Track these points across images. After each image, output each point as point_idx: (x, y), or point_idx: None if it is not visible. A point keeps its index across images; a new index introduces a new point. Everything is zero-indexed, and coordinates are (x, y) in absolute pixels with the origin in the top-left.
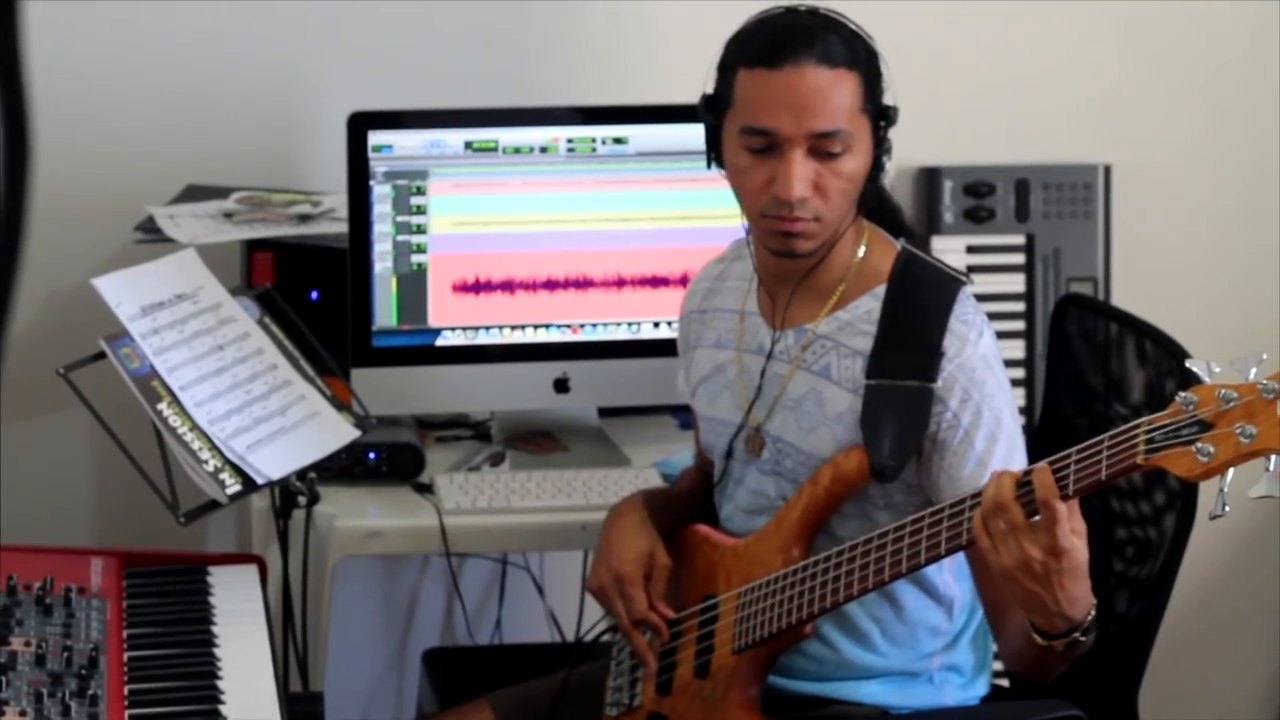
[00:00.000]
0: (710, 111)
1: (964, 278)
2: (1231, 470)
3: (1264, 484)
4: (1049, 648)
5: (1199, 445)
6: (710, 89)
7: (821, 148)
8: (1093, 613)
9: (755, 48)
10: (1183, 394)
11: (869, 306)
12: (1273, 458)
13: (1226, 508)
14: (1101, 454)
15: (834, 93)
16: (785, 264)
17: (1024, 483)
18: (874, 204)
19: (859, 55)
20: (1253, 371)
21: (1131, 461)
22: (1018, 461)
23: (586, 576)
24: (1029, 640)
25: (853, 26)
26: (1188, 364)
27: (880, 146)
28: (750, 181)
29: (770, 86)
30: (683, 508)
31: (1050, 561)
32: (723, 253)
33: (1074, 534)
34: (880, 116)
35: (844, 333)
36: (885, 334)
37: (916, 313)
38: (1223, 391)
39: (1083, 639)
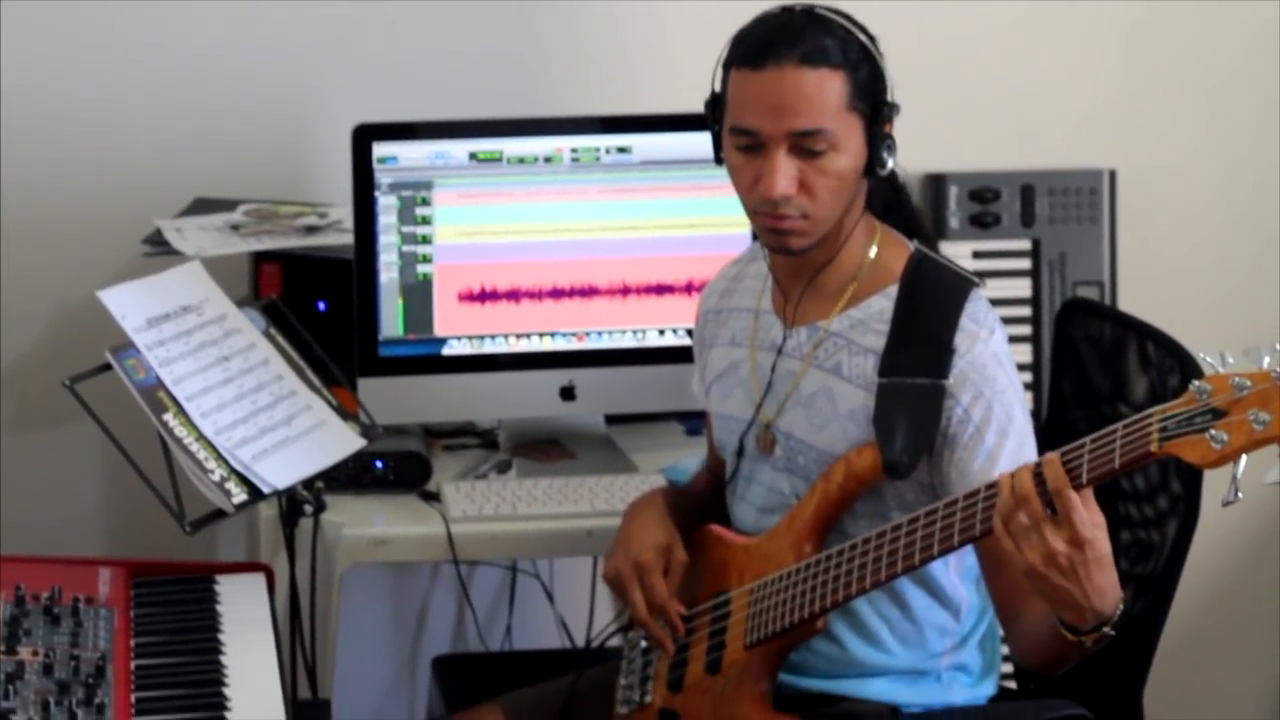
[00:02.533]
0: (712, 110)
1: (976, 279)
2: (1244, 458)
3: (1277, 470)
4: (1079, 643)
5: (1213, 433)
6: (715, 88)
7: (804, 146)
8: (1121, 605)
9: (744, 48)
10: (1196, 382)
11: (881, 305)
12: None
13: (1240, 494)
14: (1115, 443)
15: (815, 92)
16: (795, 261)
17: (1038, 475)
18: (888, 205)
19: (847, 53)
20: (1266, 360)
21: (1145, 450)
22: (1028, 457)
23: (600, 569)
24: (1055, 637)
25: (847, 25)
26: (1200, 354)
27: (876, 144)
28: (742, 180)
29: (753, 87)
30: (697, 509)
31: (1074, 554)
32: (740, 254)
33: (1094, 526)
34: (874, 114)
35: (856, 331)
36: (897, 332)
37: (928, 312)
38: (1236, 379)
39: (1112, 632)
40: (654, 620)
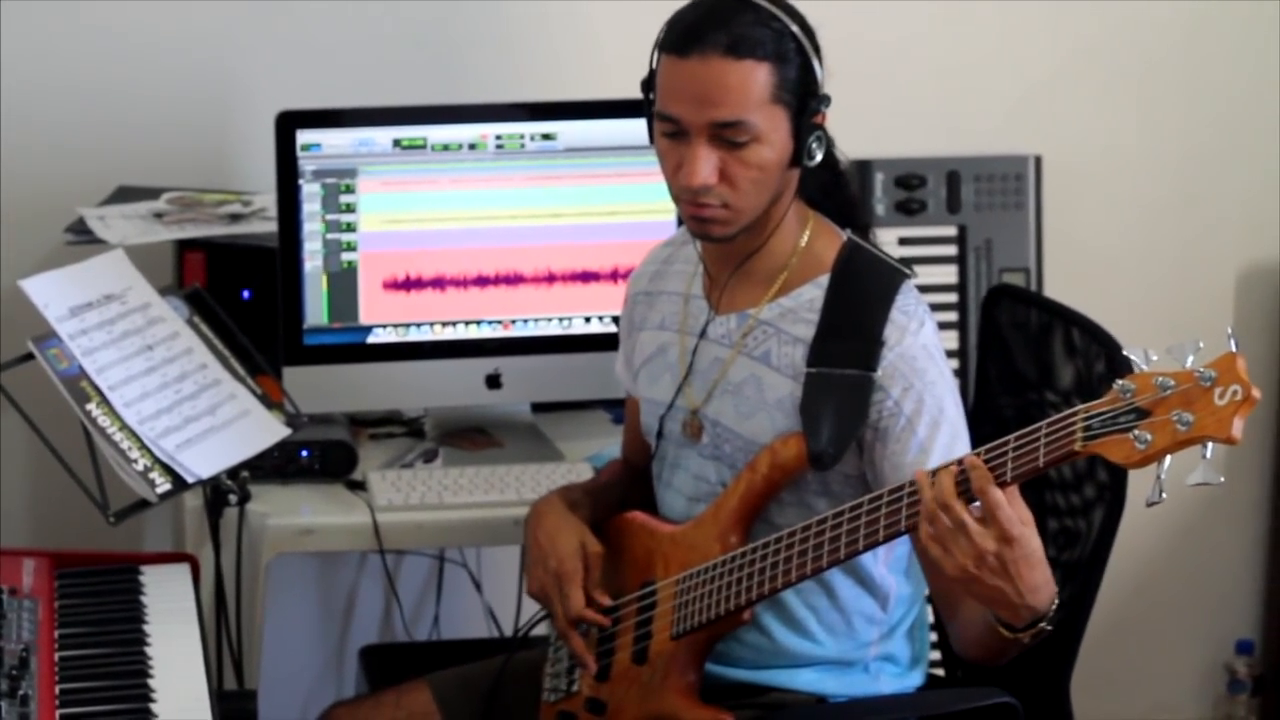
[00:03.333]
0: (646, 92)
1: (907, 270)
2: (1169, 458)
3: (1200, 471)
4: (1016, 640)
5: (1136, 433)
6: (652, 68)
7: (725, 137)
8: (1056, 600)
9: (673, 34)
10: (1120, 381)
11: (812, 295)
12: (1209, 445)
13: (1164, 495)
14: (1039, 441)
15: (738, 84)
16: (724, 247)
17: (960, 475)
18: (825, 192)
19: (775, 45)
20: (1189, 359)
21: (1069, 449)
22: (960, 449)
23: (524, 580)
24: (993, 633)
25: (779, 14)
26: (1124, 351)
27: (802, 136)
28: (666, 165)
29: (677, 75)
30: (603, 499)
31: (1004, 551)
32: (671, 236)
33: (1022, 522)
34: (802, 107)
35: (785, 319)
36: (827, 323)
37: (858, 303)
38: (1160, 379)
39: (1049, 627)
40: (575, 633)
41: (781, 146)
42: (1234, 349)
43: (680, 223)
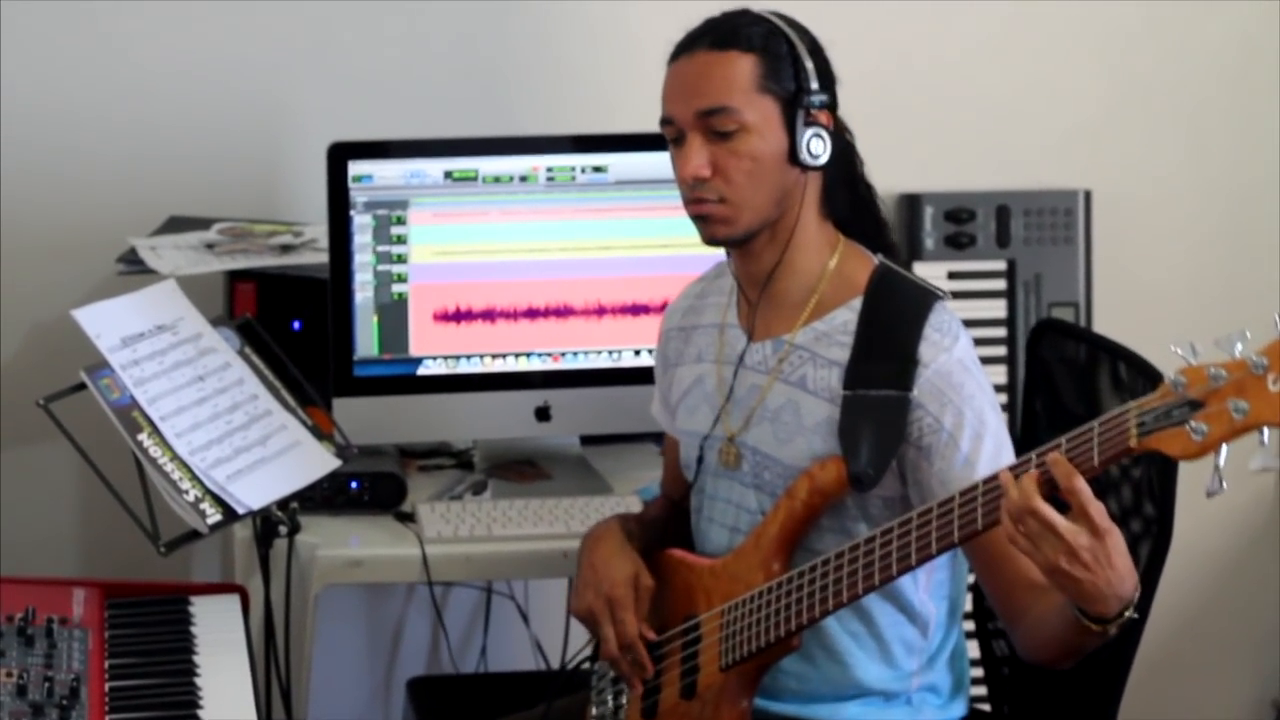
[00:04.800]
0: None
1: (940, 292)
2: (1226, 448)
3: (1261, 457)
4: (1103, 631)
5: (1192, 424)
6: None
7: (712, 126)
8: (1139, 588)
9: (674, 48)
10: (1171, 375)
11: (845, 318)
12: (1267, 431)
13: (1224, 484)
14: (1093, 440)
15: (720, 72)
16: (748, 265)
17: (1045, 475)
18: (850, 215)
19: (762, 39)
20: (1238, 348)
21: (1124, 445)
22: (1006, 458)
23: (570, 601)
24: (1074, 629)
25: (770, 17)
26: (1171, 346)
27: (796, 129)
28: (676, 174)
29: (671, 78)
30: (654, 533)
31: (1097, 546)
32: (705, 272)
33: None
34: (793, 99)
35: (820, 343)
36: (861, 345)
37: (892, 324)
38: (1212, 370)
39: (1136, 615)
40: (624, 657)
41: (774, 139)
42: None
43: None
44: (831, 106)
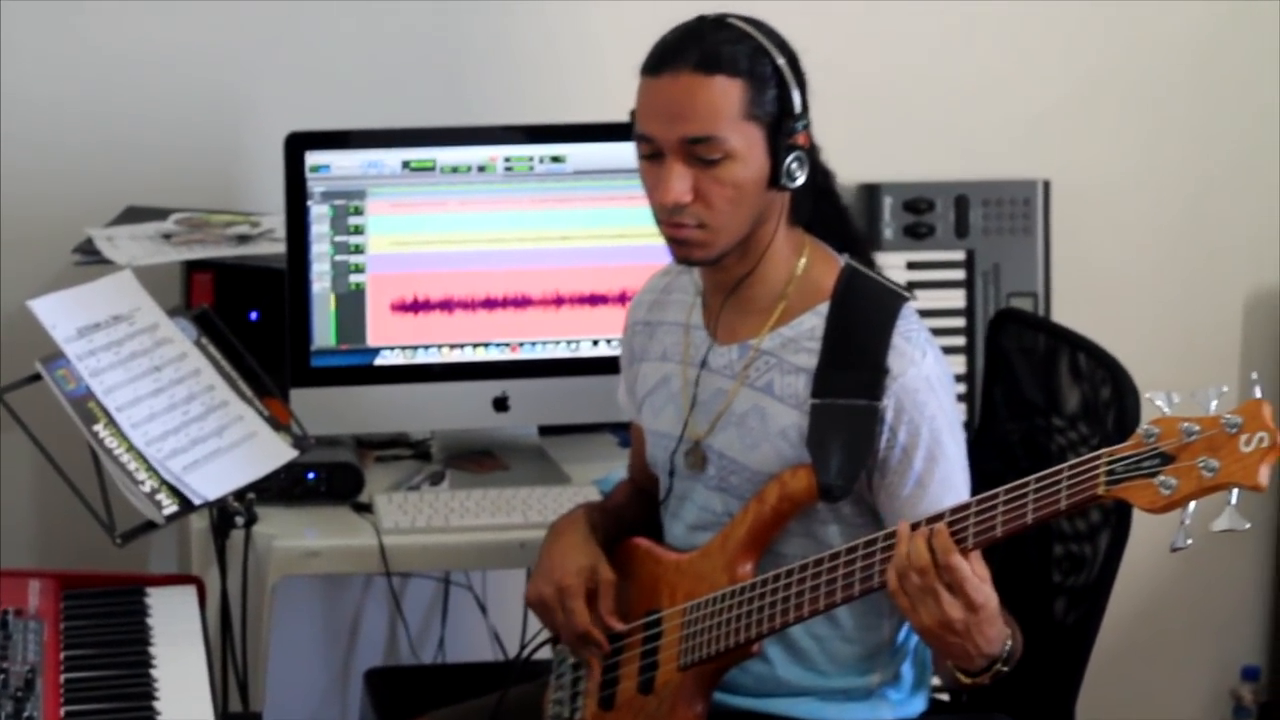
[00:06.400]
0: (632, 120)
1: (906, 293)
2: (1193, 503)
3: (1226, 518)
4: (974, 683)
5: (1161, 478)
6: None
7: (697, 154)
8: (1009, 642)
9: (650, 56)
10: (1144, 426)
11: (812, 324)
12: (1234, 491)
13: (1189, 540)
14: (1061, 484)
15: (708, 99)
16: (716, 274)
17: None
18: (821, 216)
19: (748, 62)
20: (1213, 404)
21: (1092, 492)
22: (958, 485)
23: (525, 591)
24: (950, 674)
25: (755, 34)
26: (1146, 395)
27: (779, 155)
28: (646, 188)
29: (651, 94)
30: (618, 522)
31: (969, 617)
32: (668, 265)
33: (981, 581)
34: (777, 125)
35: (787, 349)
36: (829, 352)
37: (859, 330)
38: (1185, 425)
39: (1005, 668)
40: (580, 644)
41: (757, 165)
42: (1259, 395)
43: None
44: (808, 125)
